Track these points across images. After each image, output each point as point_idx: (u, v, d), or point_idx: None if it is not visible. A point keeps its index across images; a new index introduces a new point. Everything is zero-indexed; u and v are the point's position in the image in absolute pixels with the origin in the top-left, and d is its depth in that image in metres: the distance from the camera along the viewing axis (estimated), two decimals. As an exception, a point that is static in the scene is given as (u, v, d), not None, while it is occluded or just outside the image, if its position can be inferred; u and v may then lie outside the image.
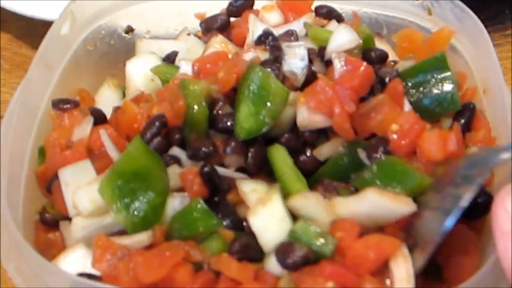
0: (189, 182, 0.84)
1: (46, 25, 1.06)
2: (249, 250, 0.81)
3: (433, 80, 0.93)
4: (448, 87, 0.93)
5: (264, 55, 0.96)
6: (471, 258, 0.81)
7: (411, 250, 0.78)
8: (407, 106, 0.92)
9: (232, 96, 0.91)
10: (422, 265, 0.77)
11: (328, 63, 0.95)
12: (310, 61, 0.95)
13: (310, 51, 0.96)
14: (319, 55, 0.97)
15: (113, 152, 0.89)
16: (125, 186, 0.82)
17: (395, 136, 0.87)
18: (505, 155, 0.75)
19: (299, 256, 0.78)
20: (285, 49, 0.95)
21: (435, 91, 0.93)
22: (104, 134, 0.89)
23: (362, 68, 0.90)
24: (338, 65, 0.91)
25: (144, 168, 0.83)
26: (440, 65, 0.94)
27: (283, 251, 0.79)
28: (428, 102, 0.93)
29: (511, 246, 0.65)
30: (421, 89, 0.94)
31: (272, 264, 0.80)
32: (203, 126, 0.89)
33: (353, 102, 0.88)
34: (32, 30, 1.41)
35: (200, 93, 0.89)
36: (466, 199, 0.75)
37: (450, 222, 0.75)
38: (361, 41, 0.96)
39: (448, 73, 0.93)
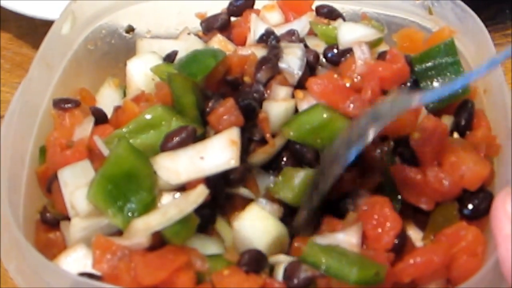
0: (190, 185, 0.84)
1: (46, 24, 1.06)
2: (258, 263, 0.81)
3: (442, 65, 0.94)
4: (457, 71, 0.94)
5: (262, 52, 0.96)
6: (478, 260, 0.81)
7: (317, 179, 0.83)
8: (422, 115, 0.92)
9: (222, 91, 0.92)
10: (325, 190, 0.82)
11: (340, 56, 0.96)
12: (311, 63, 0.96)
13: (311, 53, 0.97)
14: (328, 52, 0.99)
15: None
16: (116, 190, 0.81)
17: (418, 142, 0.88)
18: (415, 102, 0.78)
19: (303, 278, 0.78)
20: (283, 48, 0.96)
21: (444, 76, 0.94)
22: (98, 140, 0.88)
23: (399, 64, 0.91)
24: (359, 53, 0.93)
25: (133, 168, 0.83)
26: (449, 51, 0.95)
27: (290, 270, 0.80)
28: (437, 87, 0.95)
29: None
30: (430, 74, 0.95)
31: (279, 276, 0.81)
32: (193, 113, 0.89)
33: (373, 92, 0.89)
34: (33, 30, 1.41)
35: (185, 83, 0.89)
36: (368, 135, 0.78)
37: (352, 154, 0.79)
38: (381, 35, 1.00)
39: (457, 58, 0.95)
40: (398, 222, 0.82)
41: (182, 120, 0.88)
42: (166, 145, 0.84)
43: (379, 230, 0.82)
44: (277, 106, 0.91)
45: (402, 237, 0.83)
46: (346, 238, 0.82)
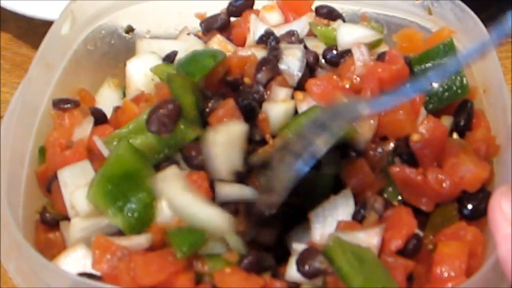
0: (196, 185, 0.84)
1: (46, 24, 1.06)
2: (259, 266, 0.81)
3: (442, 65, 0.94)
4: (456, 71, 0.94)
5: (262, 53, 0.97)
6: (477, 260, 0.81)
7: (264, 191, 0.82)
8: (422, 116, 0.92)
9: (222, 91, 0.93)
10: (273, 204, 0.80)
11: (340, 57, 0.96)
12: (311, 64, 0.96)
13: (310, 54, 0.97)
14: (327, 53, 0.98)
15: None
16: (116, 190, 0.82)
17: (417, 144, 0.88)
18: (365, 110, 0.76)
19: (315, 267, 0.78)
20: (283, 49, 0.96)
21: None
22: (98, 140, 0.88)
23: (398, 65, 0.91)
24: (358, 54, 0.93)
25: (133, 168, 0.83)
26: (448, 51, 0.96)
27: (304, 255, 0.79)
28: (436, 87, 0.94)
29: None
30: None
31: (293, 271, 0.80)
32: (193, 114, 0.89)
33: (372, 93, 0.89)
34: (32, 30, 1.41)
35: (185, 83, 0.89)
36: (319, 148, 0.76)
37: (299, 166, 0.76)
38: (381, 37, 1.00)
39: None
40: (413, 225, 0.82)
41: (181, 121, 0.88)
42: None
43: (395, 233, 0.82)
44: (276, 107, 0.91)
45: (418, 239, 0.82)
46: (366, 238, 0.81)
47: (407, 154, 0.89)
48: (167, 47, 1.08)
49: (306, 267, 0.78)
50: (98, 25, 1.11)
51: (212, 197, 0.84)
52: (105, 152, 0.86)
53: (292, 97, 0.93)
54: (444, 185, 0.86)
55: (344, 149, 0.89)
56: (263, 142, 0.91)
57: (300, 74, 0.94)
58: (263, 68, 0.93)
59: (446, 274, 0.79)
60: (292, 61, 0.95)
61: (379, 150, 0.89)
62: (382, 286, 0.75)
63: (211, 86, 0.94)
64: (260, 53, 0.97)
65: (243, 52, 0.97)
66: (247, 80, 0.95)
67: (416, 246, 0.81)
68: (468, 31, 1.00)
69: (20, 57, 1.40)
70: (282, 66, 0.94)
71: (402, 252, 0.81)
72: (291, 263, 0.80)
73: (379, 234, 0.81)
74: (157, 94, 0.94)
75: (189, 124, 0.89)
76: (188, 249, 0.78)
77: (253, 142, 0.91)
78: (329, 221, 0.86)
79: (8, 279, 0.99)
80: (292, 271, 0.79)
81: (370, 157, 0.89)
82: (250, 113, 0.90)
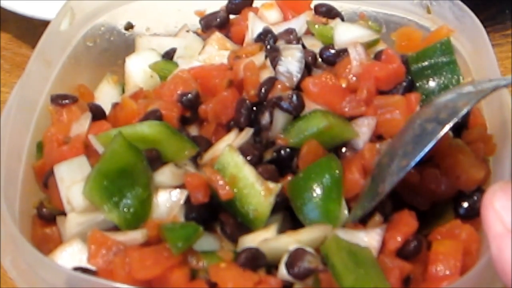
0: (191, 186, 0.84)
1: (46, 25, 1.05)
2: (254, 262, 0.81)
3: (438, 64, 0.95)
4: (453, 71, 0.95)
5: (261, 56, 0.96)
6: (472, 258, 0.81)
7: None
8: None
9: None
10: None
11: (336, 56, 0.96)
12: (309, 64, 0.96)
13: (309, 54, 0.96)
14: (324, 52, 0.98)
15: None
16: (111, 185, 0.82)
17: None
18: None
19: (305, 268, 0.77)
20: (282, 50, 0.96)
21: (440, 75, 0.95)
22: (93, 138, 0.88)
23: (395, 65, 0.92)
24: (354, 53, 0.93)
25: (128, 164, 0.83)
26: (445, 50, 0.96)
27: (293, 257, 0.79)
28: (433, 86, 0.95)
29: (504, 248, 0.62)
30: (426, 73, 0.95)
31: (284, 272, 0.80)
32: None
33: (368, 92, 0.89)
34: (32, 30, 1.41)
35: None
36: (464, 111, 0.76)
37: (445, 129, 0.76)
38: (377, 36, 0.99)
39: (453, 58, 0.95)
40: (414, 226, 0.82)
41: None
42: None
43: (396, 234, 0.82)
44: (276, 110, 0.90)
45: (418, 240, 0.82)
46: (366, 238, 0.81)
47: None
48: (167, 44, 1.09)
49: (296, 269, 0.78)
50: (98, 21, 1.11)
51: (210, 198, 0.84)
52: (100, 150, 0.87)
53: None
54: (440, 184, 0.86)
55: (341, 150, 0.90)
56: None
57: (299, 76, 0.92)
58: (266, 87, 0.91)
59: (441, 273, 0.79)
60: (291, 62, 0.93)
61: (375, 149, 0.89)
62: (374, 286, 0.74)
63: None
64: (259, 57, 0.95)
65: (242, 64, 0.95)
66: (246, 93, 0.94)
67: (416, 247, 0.81)
68: (466, 30, 1.00)
69: (20, 57, 1.40)
70: (281, 68, 0.93)
71: (402, 253, 0.81)
72: (281, 264, 0.80)
73: (380, 235, 0.81)
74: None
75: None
76: (183, 245, 0.78)
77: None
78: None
79: (8, 279, 0.99)
80: (283, 272, 0.79)
81: (366, 156, 0.89)
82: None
